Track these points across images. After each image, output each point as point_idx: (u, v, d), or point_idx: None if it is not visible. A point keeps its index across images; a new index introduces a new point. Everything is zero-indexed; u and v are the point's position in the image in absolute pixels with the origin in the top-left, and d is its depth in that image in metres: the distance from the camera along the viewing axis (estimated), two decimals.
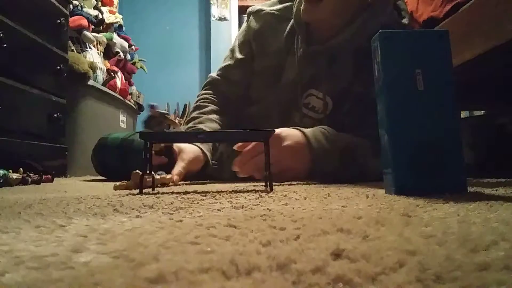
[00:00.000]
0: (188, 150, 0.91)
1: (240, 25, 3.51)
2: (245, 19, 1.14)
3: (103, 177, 1.30)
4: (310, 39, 0.95)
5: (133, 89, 2.72)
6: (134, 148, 1.16)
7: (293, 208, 0.37)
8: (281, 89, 0.97)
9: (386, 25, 0.85)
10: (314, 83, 0.95)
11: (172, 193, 0.58)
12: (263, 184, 0.71)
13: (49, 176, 1.06)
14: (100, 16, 2.24)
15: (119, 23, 2.52)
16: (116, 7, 2.60)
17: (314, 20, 0.92)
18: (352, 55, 0.91)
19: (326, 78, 0.93)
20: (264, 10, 1.06)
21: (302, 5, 0.90)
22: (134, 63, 2.68)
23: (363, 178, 0.81)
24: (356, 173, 0.81)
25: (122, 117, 2.45)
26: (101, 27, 2.27)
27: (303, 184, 0.79)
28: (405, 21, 0.93)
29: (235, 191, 0.59)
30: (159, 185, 0.77)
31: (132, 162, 1.15)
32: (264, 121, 0.98)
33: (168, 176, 0.82)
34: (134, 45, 2.67)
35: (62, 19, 1.59)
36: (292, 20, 0.98)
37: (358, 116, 0.88)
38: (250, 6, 1.15)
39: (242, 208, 0.38)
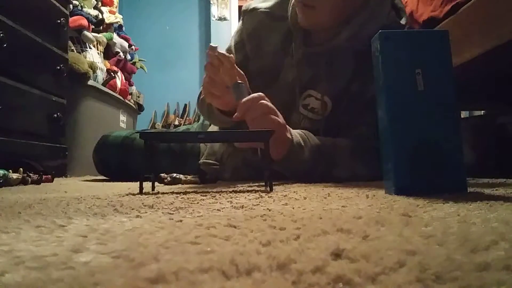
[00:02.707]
0: None
1: None
2: (240, 17, 1.12)
3: (103, 177, 1.30)
4: (308, 41, 0.95)
5: (133, 89, 2.72)
6: (135, 147, 1.16)
7: (293, 208, 0.37)
8: (279, 90, 0.96)
9: (385, 25, 0.85)
10: (313, 84, 0.94)
11: (172, 193, 0.58)
12: (263, 184, 0.71)
13: (49, 176, 1.06)
14: (100, 16, 2.24)
15: (119, 23, 2.52)
16: (116, 7, 2.60)
17: (312, 26, 0.92)
18: (351, 55, 0.91)
19: (326, 79, 0.92)
20: (258, 8, 1.03)
21: (298, 13, 0.90)
22: (134, 63, 2.68)
23: (337, 179, 0.82)
24: (327, 173, 0.83)
25: (122, 117, 2.45)
26: (101, 27, 2.27)
27: (303, 184, 0.79)
28: (403, 21, 0.92)
29: (235, 191, 0.59)
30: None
31: (133, 161, 1.15)
32: None
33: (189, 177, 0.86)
34: (134, 45, 2.67)
35: (62, 19, 1.59)
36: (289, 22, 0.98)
37: (354, 114, 0.88)
38: None
39: (242, 208, 0.38)
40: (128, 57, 2.58)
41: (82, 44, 2.05)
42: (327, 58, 0.93)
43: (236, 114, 0.72)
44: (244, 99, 0.72)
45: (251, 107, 0.72)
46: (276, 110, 0.74)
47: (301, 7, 0.88)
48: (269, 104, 0.73)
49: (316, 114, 0.94)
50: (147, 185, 0.65)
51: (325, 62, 0.93)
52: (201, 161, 1.12)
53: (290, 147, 0.77)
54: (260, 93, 0.74)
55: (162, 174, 0.82)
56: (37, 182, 0.96)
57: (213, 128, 1.16)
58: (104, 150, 1.21)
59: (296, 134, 0.80)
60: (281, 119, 0.75)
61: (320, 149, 0.82)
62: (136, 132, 1.23)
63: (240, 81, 0.76)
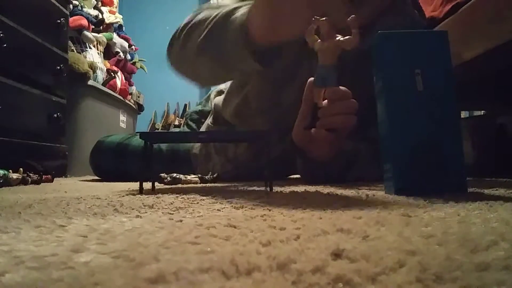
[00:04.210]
0: None
1: None
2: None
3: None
4: None
5: (133, 89, 2.73)
6: (129, 152, 1.15)
7: (293, 208, 0.37)
8: (294, 91, 0.85)
9: (410, 26, 0.82)
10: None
11: (172, 193, 0.58)
12: (263, 184, 0.71)
13: (49, 176, 1.06)
14: (100, 16, 2.25)
15: (119, 23, 2.52)
16: (116, 7, 2.61)
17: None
18: (369, 63, 0.88)
19: (349, 84, 0.88)
20: None
21: None
22: (134, 63, 2.68)
23: (346, 181, 0.80)
24: (354, 175, 0.81)
25: (122, 117, 2.45)
26: (101, 27, 2.27)
27: (303, 184, 0.79)
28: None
29: (235, 191, 0.59)
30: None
31: (127, 166, 1.15)
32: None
33: (190, 177, 0.84)
34: (134, 45, 2.68)
35: (62, 19, 1.59)
36: None
37: (368, 114, 0.86)
38: None
39: (242, 208, 0.38)
40: (128, 57, 2.58)
41: (82, 44, 2.06)
42: (351, 65, 0.87)
43: (319, 99, 0.62)
44: (337, 87, 0.62)
45: (343, 99, 0.62)
46: None
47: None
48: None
49: None
50: (147, 185, 0.65)
51: (349, 69, 0.88)
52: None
53: (338, 152, 0.73)
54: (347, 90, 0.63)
55: (162, 174, 0.82)
56: (37, 182, 0.96)
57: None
58: (98, 156, 1.21)
59: None
60: None
61: (346, 154, 0.80)
62: (133, 136, 1.23)
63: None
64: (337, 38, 0.61)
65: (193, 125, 1.30)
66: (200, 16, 0.73)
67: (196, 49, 0.70)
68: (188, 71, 0.83)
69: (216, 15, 0.67)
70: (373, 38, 0.51)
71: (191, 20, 0.76)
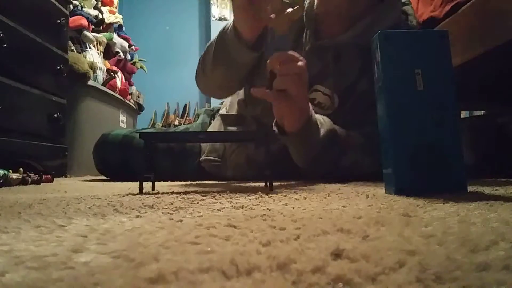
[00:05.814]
0: None
1: None
2: None
3: (103, 177, 1.30)
4: (318, 34, 0.95)
5: (133, 89, 2.72)
6: (135, 146, 1.16)
7: (293, 208, 0.37)
8: None
9: (394, 26, 0.85)
10: (320, 79, 0.94)
11: (172, 193, 0.58)
12: (263, 183, 0.71)
13: (49, 176, 1.06)
14: (100, 16, 2.24)
15: (119, 23, 2.52)
16: (116, 7, 2.60)
17: (328, 11, 0.92)
18: (359, 53, 0.91)
19: (333, 74, 0.92)
20: None
21: None
22: (134, 63, 2.68)
23: (342, 169, 0.82)
24: (337, 162, 0.82)
25: (122, 117, 2.45)
26: (101, 27, 2.27)
27: (303, 184, 0.79)
28: (414, 23, 0.93)
29: (235, 191, 0.59)
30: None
31: (133, 159, 1.15)
32: (270, 119, 0.95)
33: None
34: (134, 45, 2.67)
35: (62, 19, 1.59)
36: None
37: (360, 113, 0.87)
38: None
39: (242, 208, 0.38)
40: (128, 57, 2.58)
41: (82, 44, 2.05)
42: (334, 53, 0.93)
43: (269, 60, 0.69)
44: (286, 52, 0.68)
45: (289, 61, 0.69)
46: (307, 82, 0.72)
47: None
48: (306, 71, 0.70)
49: (323, 109, 0.93)
50: (147, 185, 0.66)
51: (332, 57, 0.93)
52: (202, 158, 1.12)
53: (308, 121, 0.75)
54: (302, 58, 0.71)
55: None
56: (37, 182, 0.96)
57: (214, 127, 1.16)
58: (103, 149, 1.21)
59: (314, 114, 0.79)
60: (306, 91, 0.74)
61: (335, 134, 0.81)
62: (136, 132, 1.23)
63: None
64: (287, 11, 0.68)
65: (207, 119, 1.31)
66: (206, 46, 0.99)
67: (211, 66, 0.93)
68: (211, 88, 1.09)
69: (216, 38, 0.91)
70: (373, 37, 0.51)
71: (203, 53, 1.01)
